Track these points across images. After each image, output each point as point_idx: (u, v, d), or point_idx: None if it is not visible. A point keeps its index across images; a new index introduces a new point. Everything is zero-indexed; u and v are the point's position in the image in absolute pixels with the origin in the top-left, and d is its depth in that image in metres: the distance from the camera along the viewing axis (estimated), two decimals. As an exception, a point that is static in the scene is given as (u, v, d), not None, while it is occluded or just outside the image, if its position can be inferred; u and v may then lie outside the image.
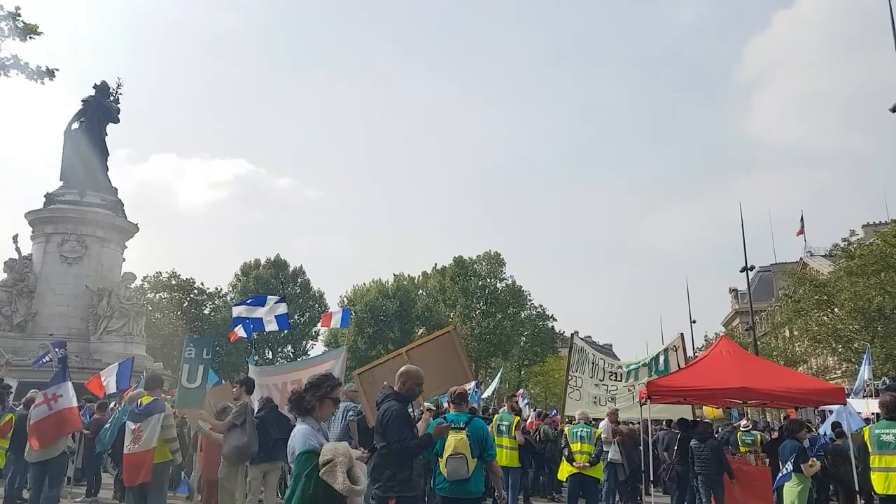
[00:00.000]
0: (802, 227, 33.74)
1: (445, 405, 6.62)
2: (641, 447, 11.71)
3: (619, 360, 15.12)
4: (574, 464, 9.41)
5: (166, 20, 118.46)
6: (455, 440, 5.26)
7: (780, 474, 8.25)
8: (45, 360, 15.66)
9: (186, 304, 49.17)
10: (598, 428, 10.25)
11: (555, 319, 57.67)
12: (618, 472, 11.64)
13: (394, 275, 57.97)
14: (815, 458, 8.54)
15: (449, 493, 5.31)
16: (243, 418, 7.16)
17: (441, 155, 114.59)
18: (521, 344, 54.02)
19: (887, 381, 21.63)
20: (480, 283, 52.64)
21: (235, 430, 7.07)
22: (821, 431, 13.14)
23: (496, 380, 28.14)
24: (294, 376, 10.03)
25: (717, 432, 15.20)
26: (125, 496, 7.33)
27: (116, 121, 24.15)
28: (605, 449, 11.49)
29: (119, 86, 24.22)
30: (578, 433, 9.61)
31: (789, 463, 7.95)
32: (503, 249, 73.08)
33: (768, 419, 19.87)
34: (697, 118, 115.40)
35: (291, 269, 54.94)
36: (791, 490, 7.82)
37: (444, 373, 7.44)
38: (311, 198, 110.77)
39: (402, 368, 5.22)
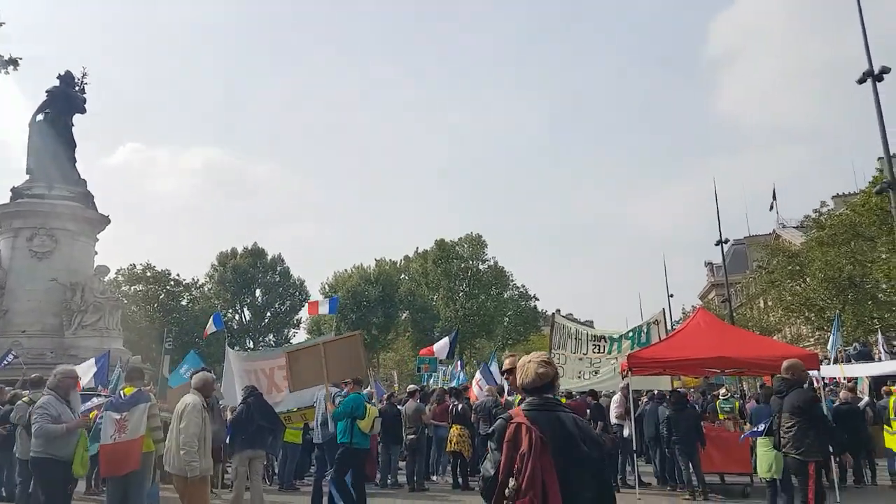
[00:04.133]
0: (774, 197, 34.36)
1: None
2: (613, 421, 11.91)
3: (601, 329, 15.30)
4: None
5: (133, 4, 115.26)
6: (371, 411, 8.62)
7: (751, 430, 8.48)
8: (7, 361, 15.02)
9: (163, 295, 48.56)
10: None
11: (537, 299, 58.19)
12: (626, 448, 11.52)
13: (375, 260, 57.82)
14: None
15: (362, 446, 8.42)
16: (210, 406, 7.16)
17: (420, 138, 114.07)
18: (505, 324, 54.43)
19: (858, 347, 22.33)
20: (463, 265, 52.75)
21: None
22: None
23: (493, 363, 28.25)
24: (281, 362, 10.06)
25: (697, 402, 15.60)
26: (106, 489, 7.26)
27: (83, 111, 23.54)
28: (619, 422, 11.61)
29: (84, 75, 23.60)
30: None
31: (762, 424, 8.15)
32: (484, 231, 73.05)
33: (745, 388, 20.33)
34: (669, 99, 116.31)
35: (270, 257, 54.43)
36: (767, 454, 8.03)
37: (350, 366, 8.87)
38: (288, 185, 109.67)
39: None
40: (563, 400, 8.60)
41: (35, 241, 20.57)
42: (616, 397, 11.80)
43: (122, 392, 6.65)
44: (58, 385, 6.25)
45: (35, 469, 5.92)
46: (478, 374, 13.87)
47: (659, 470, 11.83)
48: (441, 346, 17.56)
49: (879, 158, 23.64)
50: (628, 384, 11.96)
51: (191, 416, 6.19)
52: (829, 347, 16.40)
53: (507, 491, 2.85)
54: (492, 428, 3.16)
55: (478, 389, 13.14)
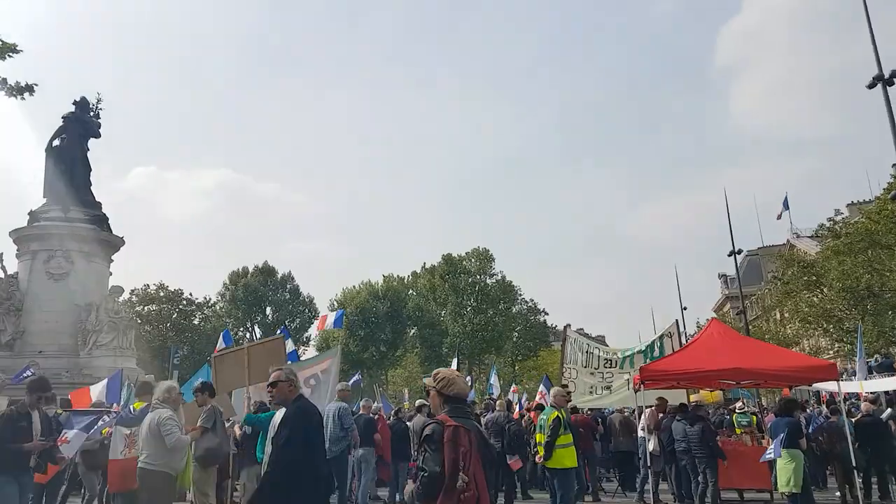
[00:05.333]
0: (787, 207, 33.95)
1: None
2: (639, 434, 11.71)
3: (613, 347, 15.15)
4: (536, 457, 8.75)
5: (146, 31, 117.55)
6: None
7: (768, 451, 8.26)
8: (25, 376, 15.36)
9: (175, 315, 48.87)
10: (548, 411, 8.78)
11: (546, 313, 57.92)
12: (655, 464, 11.14)
13: (383, 276, 57.95)
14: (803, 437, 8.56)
15: None
16: (213, 421, 7.18)
17: (427, 154, 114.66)
18: (514, 339, 54.13)
19: (879, 359, 21.87)
20: (470, 280, 52.67)
21: (207, 434, 7.06)
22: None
23: (493, 376, 28.14)
24: None
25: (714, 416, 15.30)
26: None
27: (97, 136, 24.00)
28: (644, 436, 11.32)
29: (99, 101, 24.10)
30: (540, 421, 8.80)
31: (778, 439, 7.97)
32: (492, 246, 73.08)
33: (763, 403, 19.95)
34: (678, 109, 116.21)
35: (280, 275, 54.70)
36: (786, 467, 7.84)
37: (272, 369, 8.75)
38: (297, 203, 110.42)
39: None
40: (553, 415, 8.32)
41: (52, 262, 20.89)
42: (648, 411, 11.54)
43: (131, 407, 6.65)
44: (170, 399, 6.33)
45: (143, 481, 5.83)
46: (541, 387, 13.41)
47: (675, 487, 11.59)
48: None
49: (894, 165, 23.41)
50: (666, 400, 11.76)
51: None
52: (856, 359, 16.03)
53: (458, 484, 3.32)
54: (427, 432, 3.58)
55: (543, 401, 12.75)
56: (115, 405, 12.89)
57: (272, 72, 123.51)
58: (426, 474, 3.46)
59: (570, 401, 10.60)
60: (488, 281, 53.07)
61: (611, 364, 12.68)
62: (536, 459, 8.65)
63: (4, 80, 10.29)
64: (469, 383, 20.83)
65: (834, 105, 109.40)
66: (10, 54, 9.95)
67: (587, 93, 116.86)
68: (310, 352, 53.23)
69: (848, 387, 15.37)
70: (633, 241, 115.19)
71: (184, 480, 6.46)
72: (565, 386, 11.08)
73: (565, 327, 14.88)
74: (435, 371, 4.34)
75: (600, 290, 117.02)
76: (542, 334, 56.22)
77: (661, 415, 11.54)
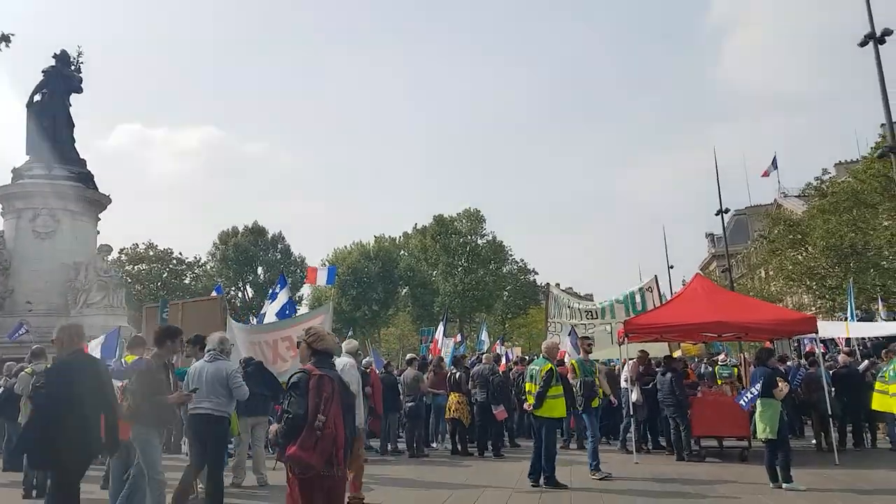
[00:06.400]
0: (776, 166, 34.02)
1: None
2: (622, 385, 12.01)
3: (593, 301, 15.37)
4: (525, 405, 8.81)
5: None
6: None
7: (746, 395, 8.50)
8: (20, 333, 15.50)
9: (166, 274, 48.82)
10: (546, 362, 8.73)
11: (536, 273, 58.40)
12: (638, 414, 11.42)
13: (374, 236, 57.96)
14: (786, 382, 8.83)
15: None
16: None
17: (417, 113, 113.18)
18: (504, 298, 54.66)
19: (860, 315, 22.34)
20: (461, 240, 52.77)
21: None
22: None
23: (483, 333, 28.54)
24: (284, 333, 10.31)
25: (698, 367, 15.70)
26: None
27: (79, 90, 23.43)
28: (626, 387, 11.54)
29: (80, 54, 23.44)
30: (531, 371, 8.76)
31: (754, 387, 8.22)
32: (482, 206, 72.91)
33: (746, 357, 20.44)
34: (668, 67, 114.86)
35: (270, 235, 54.51)
36: (761, 414, 8.11)
37: (207, 328, 8.80)
38: (286, 162, 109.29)
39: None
40: (547, 367, 8.45)
41: (37, 221, 20.68)
42: (630, 363, 11.81)
43: (123, 360, 6.75)
44: (225, 350, 6.58)
45: (211, 427, 6.17)
46: (567, 342, 13.19)
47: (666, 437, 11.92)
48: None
49: (882, 125, 23.45)
50: (647, 353, 12.00)
51: (353, 374, 7.12)
52: (840, 315, 16.42)
53: (316, 424, 3.78)
54: (294, 380, 4.02)
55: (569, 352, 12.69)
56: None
57: (262, 30, 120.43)
58: (290, 416, 3.88)
59: (591, 352, 10.40)
60: (479, 241, 53.21)
61: (592, 315, 12.95)
62: (525, 407, 8.76)
63: None
64: (461, 340, 21.21)
65: (825, 64, 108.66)
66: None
67: (575, 50, 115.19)
68: (302, 309, 53.62)
69: (833, 329, 15.78)
70: (621, 201, 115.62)
71: (232, 427, 7.19)
72: (587, 338, 11.08)
73: (546, 285, 15.11)
74: (309, 327, 4.82)
75: (589, 249, 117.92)
76: (531, 293, 56.80)
77: (641, 367, 11.88)
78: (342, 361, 7.30)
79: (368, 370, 11.64)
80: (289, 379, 4.18)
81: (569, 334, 12.95)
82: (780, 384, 8.09)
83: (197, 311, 8.88)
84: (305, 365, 4.24)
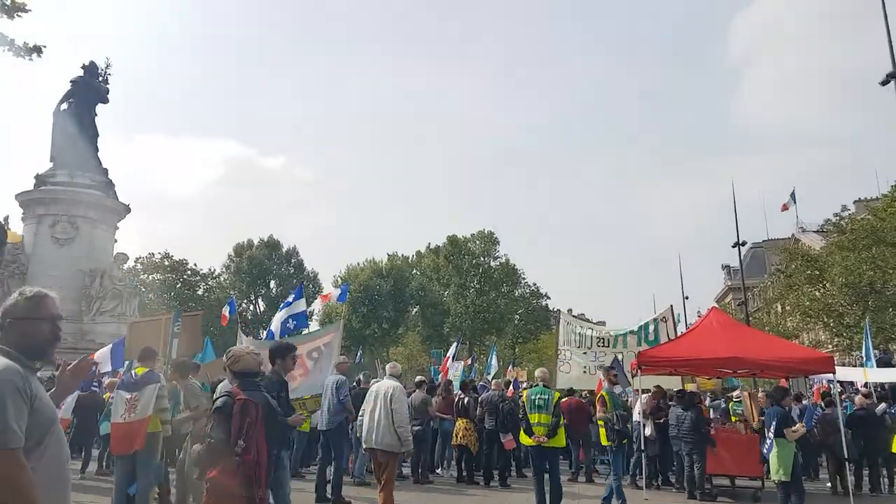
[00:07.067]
0: (794, 201, 33.71)
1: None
2: (636, 419, 11.78)
3: (606, 327, 15.23)
4: (532, 437, 8.11)
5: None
6: None
7: (765, 443, 8.31)
8: None
9: (179, 285, 49.12)
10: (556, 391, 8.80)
11: (548, 297, 57.96)
12: (649, 449, 11.17)
13: (387, 254, 58.00)
14: (802, 424, 8.64)
15: None
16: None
17: (434, 134, 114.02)
18: (515, 322, 54.28)
19: (878, 354, 21.92)
20: (474, 261, 52.68)
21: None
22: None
23: (492, 356, 28.33)
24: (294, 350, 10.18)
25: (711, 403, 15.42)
26: (114, 466, 7.40)
27: (106, 101, 23.94)
28: (639, 420, 11.23)
29: (108, 66, 24.00)
30: (536, 401, 8.25)
31: (771, 430, 8.04)
32: (496, 228, 72.97)
33: (749, 392, 20.13)
34: (688, 98, 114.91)
35: (285, 249, 54.79)
36: (774, 455, 7.92)
37: (188, 342, 9.43)
38: (304, 178, 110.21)
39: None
40: (557, 395, 8.43)
41: (57, 227, 20.98)
42: (645, 397, 11.59)
43: (134, 372, 6.75)
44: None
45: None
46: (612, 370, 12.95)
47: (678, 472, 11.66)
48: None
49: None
50: (662, 388, 11.76)
51: (402, 399, 7.07)
52: (855, 353, 16.13)
53: (236, 451, 3.80)
54: (219, 404, 4.03)
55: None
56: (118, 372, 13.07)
57: (283, 40, 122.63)
58: (212, 440, 3.95)
59: (616, 383, 10.23)
60: (492, 263, 53.07)
61: (603, 343, 12.79)
62: (538, 440, 8.03)
63: (13, 40, 10.23)
64: (470, 363, 21.02)
65: (847, 101, 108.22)
66: (20, 14, 9.88)
67: (595, 78, 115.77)
68: (312, 327, 53.64)
69: (850, 374, 15.47)
70: (637, 229, 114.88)
71: None
72: (611, 368, 10.80)
73: (559, 310, 15.03)
74: (228, 349, 4.78)
75: (603, 276, 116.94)
76: (543, 318, 56.36)
77: (654, 402, 11.65)
78: (388, 384, 7.19)
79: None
80: (213, 401, 4.26)
81: (612, 366, 12.09)
82: (794, 426, 7.91)
83: (154, 325, 9.13)
84: (231, 387, 4.29)
